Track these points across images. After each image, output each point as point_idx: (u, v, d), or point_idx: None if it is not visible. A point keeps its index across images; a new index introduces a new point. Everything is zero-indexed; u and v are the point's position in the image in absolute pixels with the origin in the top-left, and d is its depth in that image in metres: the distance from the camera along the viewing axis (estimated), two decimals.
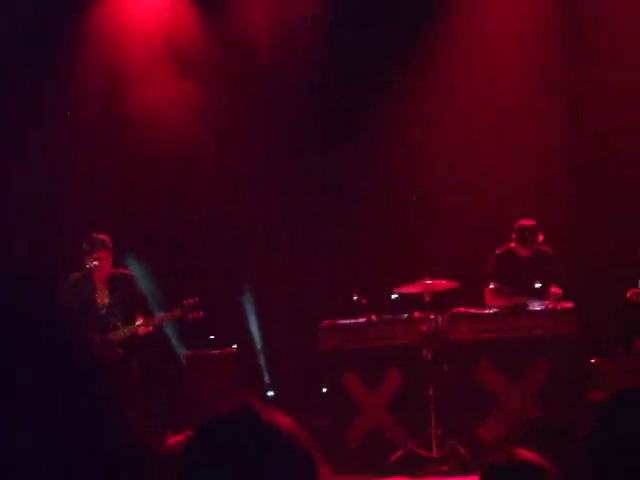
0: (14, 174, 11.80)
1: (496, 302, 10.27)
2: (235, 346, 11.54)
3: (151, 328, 9.52)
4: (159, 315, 9.65)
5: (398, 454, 9.80)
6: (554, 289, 9.97)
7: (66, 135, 12.09)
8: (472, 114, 12.04)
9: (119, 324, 9.40)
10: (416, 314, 10.22)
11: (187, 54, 12.38)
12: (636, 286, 9.58)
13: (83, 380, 1.28)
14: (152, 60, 12.24)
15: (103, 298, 9.57)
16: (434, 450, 9.67)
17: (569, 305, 10.05)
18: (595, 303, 10.87)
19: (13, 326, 1.26)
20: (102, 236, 9.61)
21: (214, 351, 11.46)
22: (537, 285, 10.12)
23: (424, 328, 10.03)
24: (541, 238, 10.15)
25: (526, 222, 10.21)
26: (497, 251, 10.43)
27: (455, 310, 10.26)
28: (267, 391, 12.32)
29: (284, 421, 1.95)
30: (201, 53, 12.41)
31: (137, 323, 9.40)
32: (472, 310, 10.29)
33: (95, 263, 9.40)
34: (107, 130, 12.26)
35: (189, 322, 9.82)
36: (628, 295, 9.55)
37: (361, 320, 10.46)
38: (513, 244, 10.29)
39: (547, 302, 10.03)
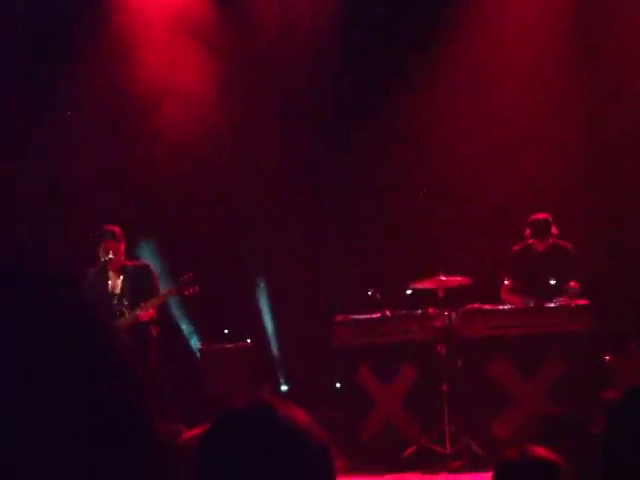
0: (21, 171, 11.82)
1: (512, 299, 10.26)
2: (249, 340, 11.56)
3: (152, 311, 9.60)
4: (156, 297, 9.70)
5: (411, 449, 9.80)
6: (573, 284, 9.95)
7: (78, 125, 12.08)
8: (488, 109, 12.01)
9: (125, 311, 9.53)
10: (430, 310, 10.22)
11: (205, 43, 12.36)
12: None
13: (110, 376, 1.29)
14: (168, 49, 12.23)
15: (115, 288, 9.73)
16: (447, 446, 9.67)
17: (584, 302, 10.03)
18: (610, 300, 10.85)
19: (45, 324, 1.27)
20: (111, 227, 9.78)
21: (228, 345, 11.48)
22: (552, 282, 10.10)
23: (438, 324, 10.03)
24: (555, 231, 10.13)
25: (540, 215, 10.21)
26: (515, 247, 10.42)
27: (469, 306, 10.26)
28: (281, 385, 12.35)
29: (300, 415, 1.96)
30: (219, 42, 12.38)
31: (137, 309, 9.52)
32: (486, 306, 10.28)
33: (110, 256, 9.55)
34: (120, 120, 12.25)
35: (185, 297, 9.96)
36: None
37: (375, 315, 10.46)
38: (531, 240, 10.28)
39: (562, 299, 10.01)
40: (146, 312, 9.58)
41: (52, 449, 1.21)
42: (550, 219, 10.16)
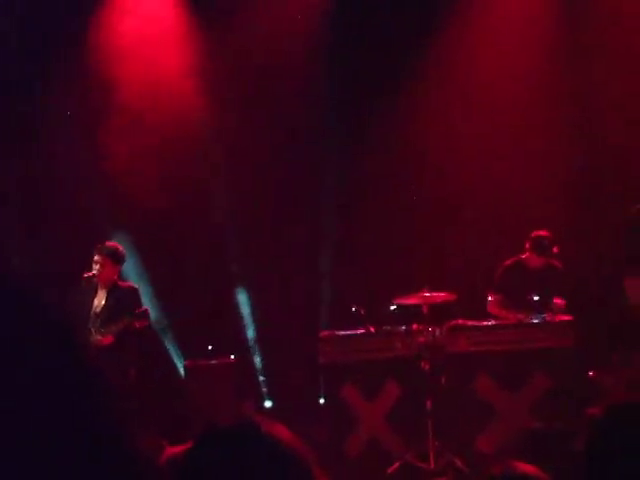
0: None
1: (500, 313, 10.27)
2: (233, 356, 11.54)
3: (110, 336, 9.56)
4: (115, 324, 9.68)
5: (396, 466, 9.79)
6: (557, 300, 9.98)
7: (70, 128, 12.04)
8: (479, 130, 12.03)
9: (93, 330, 9.50)
10: (414, 326, 10.22)
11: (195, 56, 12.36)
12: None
13: (82, 386, 1.29)
14: (159, 53, 12.20)
15: (98, 306, 9.70)
16: (432, 462, 9.66)
17: (568, 318, 10.06)
18: (595, 314, 10.87)
19: (17, 327, 1.27)
20: (110, 244, 9.81)
21: (213, 361, 11.46)
22: (535, 298, 10.12)
23: (422, 340, 10.02)
24: (556, 250, 10.15)
25: (543, 232, 10.24)
26: (506, 262, 10.44)
27: (453, 322, 10.26)
28: (265, 401, 12.33)
29: (283, 433, 1.95)
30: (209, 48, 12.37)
31: (98, 334, 9.50)
32: (470, 322, 10.30)
33: (95, 272, 9.55)
34: (113, 120, 12.17)
35: (135, 329, 9.97)
36: None
37: (359, 331, 10.46)
38: (525, 255, 10.29)
39: (546, 315, 10.04)
40: (105, 338, 9.53)
41: (29, 459, 1.21)
42: (552, 237, 10.17)
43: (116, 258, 9.77)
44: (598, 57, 11.84)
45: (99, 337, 9.48)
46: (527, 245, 10.26)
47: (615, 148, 11.67)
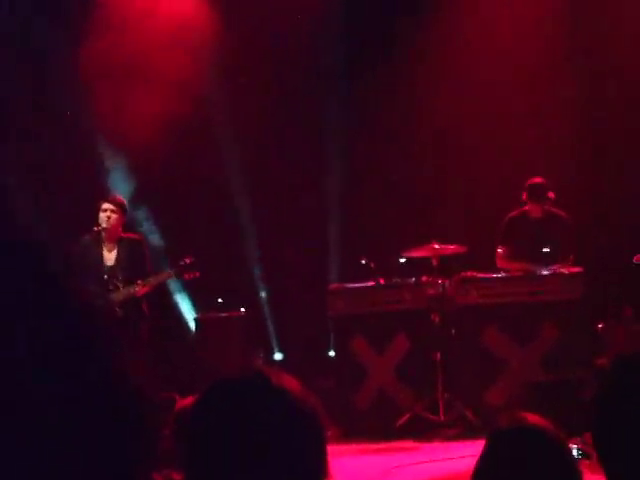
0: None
1: (508, 266, 10.26)
2: (243, 309, 11.58)
3: (148, 288, 9.57)
4: (155, 276, 9.68)
5: (405, 418, 9.84)
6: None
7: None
8: (487, 79, 11.97)
9: (120, 285, 9.50)
10: (424, 278, 10.23)
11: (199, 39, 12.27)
12: None
13: (77, 332, 1.29)
14: (162, 39, 12.10)
15: (109, 260, 9.67)
16: (441, 414, 9.71)
17: (577, 270, 10.05)
18: (604, 267, 10.86)
19: (16, 287, 1.27)
20: (116, 197, 9.85)
21: (223, 314, 11.50)
22: (546, 249, 10.11)
23: (432, 292, 10.04)
24: (552, 196, 10.11)
25: (536, 179, 10.19)
26: (511, 214, 10.41)
27: (463, 274, 10.27)
28: (275, 354, 12.38)
29: (292, 384, 1.96)
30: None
31: (135, 285, 9.48)
32: (480, 274, 10.29)
33: (104, 226, 9.51)
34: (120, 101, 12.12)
35: (185, 281, 9.96)
36: (634, 259, 9.54)
37: (369, 284, 10.47)
38: (527, 207, 10.27)
39: (555, 266, 10.04)
40: (142, 289, 9.54)
41: (37, 416, 1.21)
42: (546, 183, 10.14)
43: (124, 209, 9.78)
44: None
45: (136, 288, 9.46)
46: (524, 196, 10.22)
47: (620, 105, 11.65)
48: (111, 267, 9.63)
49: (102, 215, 9.56)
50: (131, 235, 10.02)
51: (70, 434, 1.23)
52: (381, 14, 12.31)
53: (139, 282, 9.48)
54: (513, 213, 10.40)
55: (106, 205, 9.59)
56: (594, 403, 2.42)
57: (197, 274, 9.72)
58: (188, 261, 9.68)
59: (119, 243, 9.72)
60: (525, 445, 2.59)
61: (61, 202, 11.56)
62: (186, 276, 9.75)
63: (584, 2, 11.96)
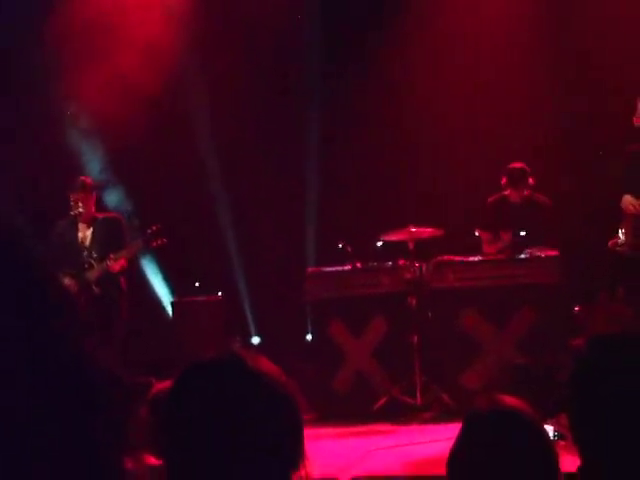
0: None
1: (494, 250, 10.29)
2: (220, 293, 11.57)
3: (121, 261, 9.57)
4: (126, 249, 9.68)
5: (382, 401, 9.86)
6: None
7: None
8: (465, 63, 11.99)
9: (94, 262, 9.52)
10: (401, 262, 10.24)
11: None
12: (617, 235, 9.63)
13: (43, 313, 1.28)
14: (151, 26, 12.02)
15: (85, 240, 9.72)
16: (418, 397, 9.74)
17: (553, 253, 10.08)
18: (580, 250, 10.90)
19: None
20: (83, 178, 9.85)
21: (200, 298, 11.49)
22: (522, 233, 10.13)
23: (408, 276, 10.05)
24: (532, 181, 10.14)
25: (516, 164, 10.21)
26: (490, 199, 10.43)
27: (439, 258, 10.28)
28: (252, 338, 12.38)
29: (268, 367, 1.95)
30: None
31: (107, 260, 9.50)
32: (457, 258, 10.31)
33: (80, 210, 9.56)
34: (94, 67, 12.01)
35: (153, 249, 10.00)
36: (609, 244, 9.60)
37: (346, 267, 10.47)
38: (507, 191, 10.28)
39: (531, 250, 10.07)
40: (115, 263, 9.56)
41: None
42: (527, 169, 10.17)
43: (89, 189, 9.82)
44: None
45: (106, 264, 9.47)
46: (503, 180, 10.25)
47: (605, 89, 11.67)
48: (87, 246, 9.67)
49: (73, 203, 9.60)
50: (109, 214, 10.08)
51: (38, 418, 1.22)
52: (358, 14, 12.30)
53: (111, 256, 9.51)
54: (492, 198, 10.42)
55: (73, 196, 9.63)
56: (570, 384, 2.43)
57: (164, 240, 9.75)
58: (155, 228, 9.70)
59: (95, 222, 9.79)
60: (501, 427, 2.60)
61: (33, 185, 11.52)
62: (154, 243, 9.78)
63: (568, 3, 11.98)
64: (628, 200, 9.51)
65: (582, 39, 11.70)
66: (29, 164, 11.62)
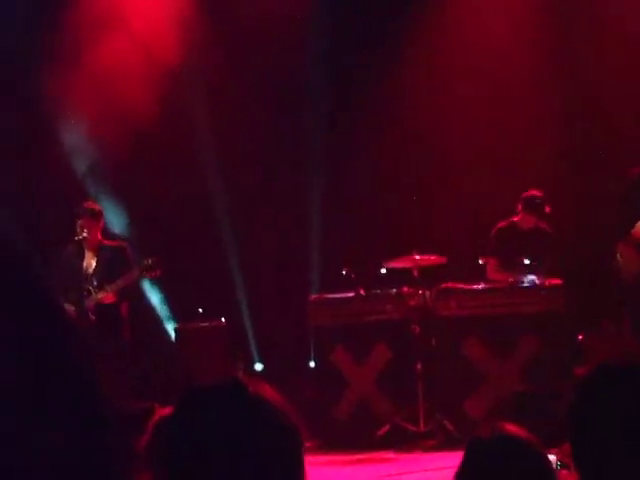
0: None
1: (499, 277, 10.26)
2: (224, 319, 11.55)
3: (112, 294, 9.57)
4: (121, 279, 9.67)
5: (385, 428, 9.83)
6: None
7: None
8: (462, 91, 12.00)
9: (93, 291, 9.52)
10: (405, 289, 10.23)
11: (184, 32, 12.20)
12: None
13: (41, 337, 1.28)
14: (148, 34, 12.04)
15: (89, 267, 9.72)
16: (421, 425, 9.71)
17: (557, 282, 10.08)
18: (585, 279, 10.89)
19: None
20: (90, 205, 9.86)
21: (203, 324, 11.47)
22: (526, 261, 10.11)
23: (412, 303, 10.05)
24: (548, 210, 10.13)
25: (534, 192, 10.21)
26: (499, 224, 10.40)
27: (443, 285, 10.28)
28: (255, 364, 12.35)
29: (270, 394, 1.95)
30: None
31: (103, 290, 9.51)
32: (460, 285, 10.31)
33: (84, 235, 9.57)
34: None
35: (148, 279, 10.15)
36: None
37: (350, 294, 10.47)
38: (517, 218, 10.27)
39: (537, 278, 10.05)
40: (107, 294, 9.55)
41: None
42: (544, 197, 10.15)
43: (97, 216, 9.83)
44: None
45: (101, 295, 9.48)
46: (519, 207, 10.23)
47: (611, 115, 11.68)
48: (89, 274, 9.67)
49: (78, 228, 9.61)
50: (114, 242, 10.09)
51: (35, 446, 1.22)
52: (365, 20, 12.31)
53: (106, 287, 9.52)
54: (501, 224, 10.40)
55: (79, 222, 9.63)
56: (572, 413, 2.42)
57: (159, 273, 9.75)
58: (151, 260, 9.71)
59: (100, 250, 9.77)
60: (504, 455, 2.60)
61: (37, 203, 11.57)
62: (148, 275, 9.78)
63: (572, 9, 11.99)
64: None
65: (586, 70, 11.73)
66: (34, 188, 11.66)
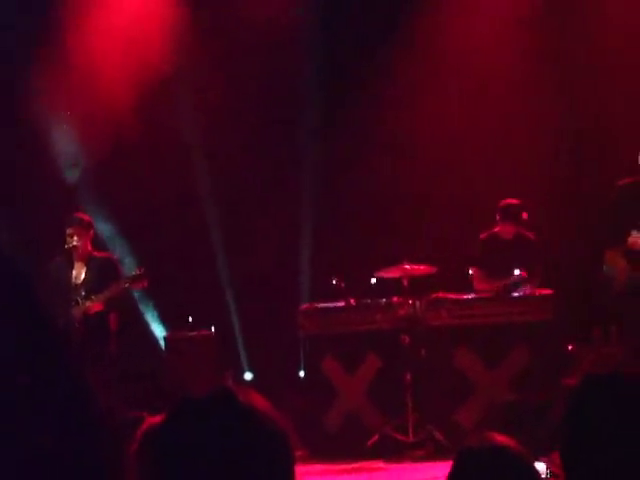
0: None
1: (485, 287, 10.28)
2: (213, 328, 11.53)
3: (99, 304, 9.56)
4: (107, 290, 9.66)
5: (375, 438, 9.82)
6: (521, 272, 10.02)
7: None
8: (455, 103, 12.03)
9: (80, 301, 9.52)
10: (395, 299, 10.24)
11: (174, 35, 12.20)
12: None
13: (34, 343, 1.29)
14: (141, 38, 12.02)
15: (78, 277, 9.71)
16: (411, 435, 9.70)
17: (547, 292, 10.10)
18: (574, 289, 10.91)
19: None
20: (80, 214, 9.86)
21: (192, 333, 11.45)
22: (516, 271, 10.13)
23: (402, 313, 10.05)
24: (525, 216, 10.15)
25: (510, 200, 10.23)
26: (481, 236, 10.44)
27: (433, 295, 10.28)
28: (245, 373, 12.33)
29: (260, 403, 1.95)
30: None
31: (90, 300, 9.51)
32: (450, 295, 10.32)
33: (74, 243, 9.56)
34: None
35: (134, 290, 10.13)
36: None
37: (340, 304, 10.47)
38: (498, 228, 10.30)
39: (526, 288, 10.07)
40: (93, 305, 9.54)
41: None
42: (521, 204, 10.18)
43: (88, 225, 9.83)
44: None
45: (88, 304, 9.48)
46: (497, 216, 10.26)
47: (599, 123, 11.72)
48: (77, 285, 9.67)
49: (68, 238, 9.60)
50: (104, 254, 10.08)
51: (29, 446, 1.22)
52: (359, 29, 12.34)
53: (92, 297, 9.52)
54: (483, 235, 10.44)
55: (69, 230, 9.63)
56: (562, 423, 2.43)
57: (145, 284, 9.75)
58: (138, 272, 9.71)
59: (89, 262, 9.76)
60: (493, 465, 2.60)
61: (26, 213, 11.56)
62: (135, 286, 9.80)
63: (562, 10, 12.03)
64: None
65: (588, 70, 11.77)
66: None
